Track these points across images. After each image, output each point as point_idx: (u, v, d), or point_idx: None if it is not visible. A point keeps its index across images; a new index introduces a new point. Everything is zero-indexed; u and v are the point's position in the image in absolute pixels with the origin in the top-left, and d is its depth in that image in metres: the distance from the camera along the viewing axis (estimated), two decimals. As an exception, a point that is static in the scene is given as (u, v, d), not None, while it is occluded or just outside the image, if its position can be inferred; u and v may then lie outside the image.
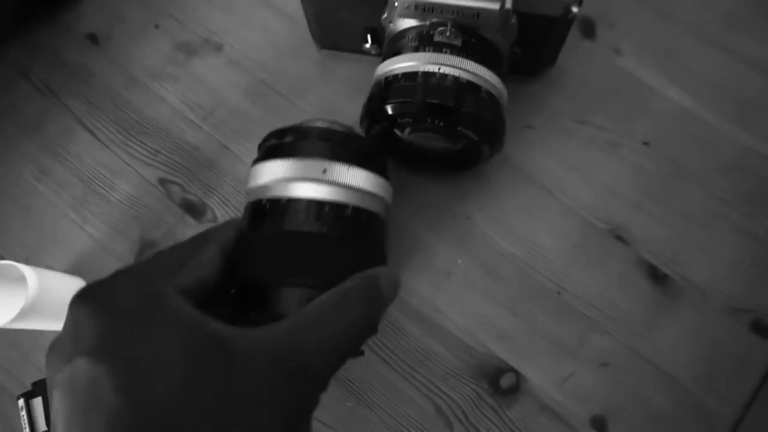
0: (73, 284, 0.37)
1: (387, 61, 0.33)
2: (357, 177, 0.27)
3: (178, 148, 0.41)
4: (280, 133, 0.29)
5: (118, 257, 0.38)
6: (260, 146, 0.30)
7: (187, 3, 0.45)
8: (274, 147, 0.29)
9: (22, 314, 0.31)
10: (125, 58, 0.43)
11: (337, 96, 0.41)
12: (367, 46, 0.39)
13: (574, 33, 0.42)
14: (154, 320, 0.19)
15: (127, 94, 0.42)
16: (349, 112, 0.40)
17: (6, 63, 0.43)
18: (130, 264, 0.23)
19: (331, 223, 0.26)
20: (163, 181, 0.40)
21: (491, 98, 0.32)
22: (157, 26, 0.44)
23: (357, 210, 0.27)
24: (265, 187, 0.28)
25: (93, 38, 0.44)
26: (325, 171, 0.27)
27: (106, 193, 0.40)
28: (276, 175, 0.27)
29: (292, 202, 0.27)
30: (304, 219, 0.26)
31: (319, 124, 0.30)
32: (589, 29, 0.42)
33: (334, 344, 0.21)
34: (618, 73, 0.41)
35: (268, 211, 0.27)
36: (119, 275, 0.21)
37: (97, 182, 0.40)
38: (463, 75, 0.31)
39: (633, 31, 0.42)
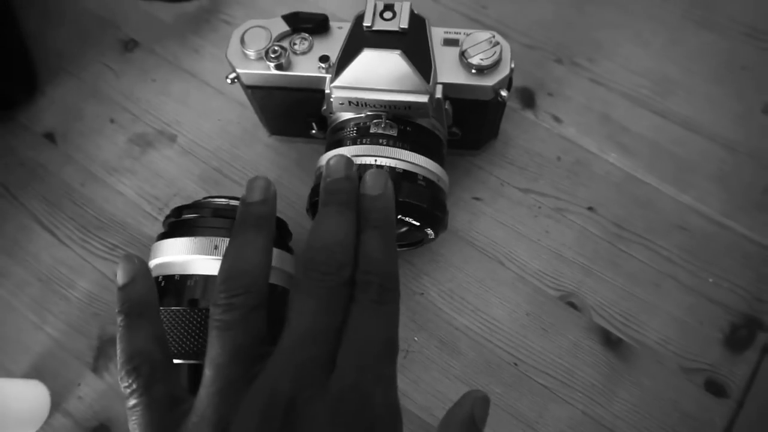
0: (31, 388, 0.37)
1: (327, 154, 0.34)
2: None
3: (136, 240, 0.41)
4: (177, 211, 0.32)
5: (78, 356, 0.38)
6: (163, 222, 0.33)
7: (141, 96, 0.46)
8: (172, 224, 0.32)
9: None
10: (82, 155, 0.44)
11: (290, 179, 0.42)
12: (314, 132, 0.40)
13: (514, 104, 0.44)
14: None
15: (85, 190, 0.43)
16: (301, 193, 0.42)
17: (-36, 165, 0.44)
18: None
19: None
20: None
21: (429, 184, 0.33)
22: (112, 121, 0.45)
23: None
24: (160, 265, 0.31)
25: (50, 137, 0.45)
26: (216, 248, 0.30)
27: (65, 292, 0.40)
28: (170, 253, 0.30)
29: (185, 278, 0.29)
30: (200, 295, 0.29)
31: (217, 201, 0.32)
32: (528, 100, 0.44)
33: None
34: (559, 140, 0.42)
35: (164, 288, 0.30)
36: None
37: (56, 281, 0.41)
38: (399, 165, 0.32)
39: (571, 99, 0.43)
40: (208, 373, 0.20)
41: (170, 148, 0.44)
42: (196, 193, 0.42)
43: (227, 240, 0.31)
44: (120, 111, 0.46)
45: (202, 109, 0.45)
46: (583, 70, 0.44)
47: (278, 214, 0.42)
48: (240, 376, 0.20)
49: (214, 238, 0.31)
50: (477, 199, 0.41)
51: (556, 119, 0.43)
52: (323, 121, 0.39)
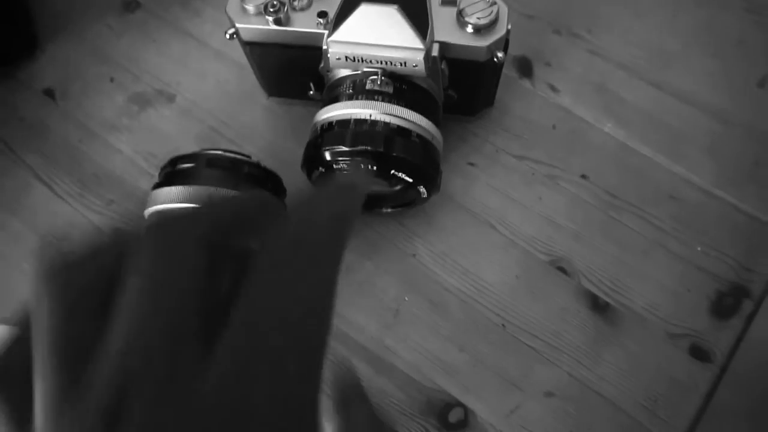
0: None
1: (323, 109, 0.34)
2: None
3: (132, 195, 0.42)
4: (173, 161, 0.34)
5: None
6: (159, 173, 0.34)
7: (141, 56, 0.46)
8: (168, 174, 0.33)
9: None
10: (81, 112, 0.44)
11: (285, 140, 0.43)
12: (311, 93, 0.40)
13: (512, 73, 0.44)
14: None
15: (83, 146, 0.43)
16: (297, 154, 0.42)
17: (-36, 120, 0.45)
18: None
19: None
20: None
21: (423, 141, 0.33)
22: (112, 80, 0.45)
23: None
24: (155, 213, 0.32)
25: (50, 93, 0.45)
26: (209, 197, 0.31)
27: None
28: (166, 201, 0.30)
29: None
30: None
31: (211, 152, 0.34)
32: (526, 69, 0.44)
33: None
34: (555, 109, 0.43)
35: None
36: None
37: (53, 235, 0.41)
38: (394, 121, 0.33)
39: (568, 70, 0.44)
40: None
41: (168, 108, 0.44)
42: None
43: (221, 189, 0.32)
44: (120, 70, 0.46)
45: (201, 70, 0.45)
46: (581, 40, 0.45)
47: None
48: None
49: (208, 187, 0.32)
50: (471, 164, 0.41)
51: (553, 89, 0.43)
52: (320, 81, 0.39)
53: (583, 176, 0.41)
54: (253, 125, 0.43)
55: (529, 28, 0.45)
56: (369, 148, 0.32)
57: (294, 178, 0.41)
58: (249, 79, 0.44)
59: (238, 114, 0.44)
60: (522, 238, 0.39)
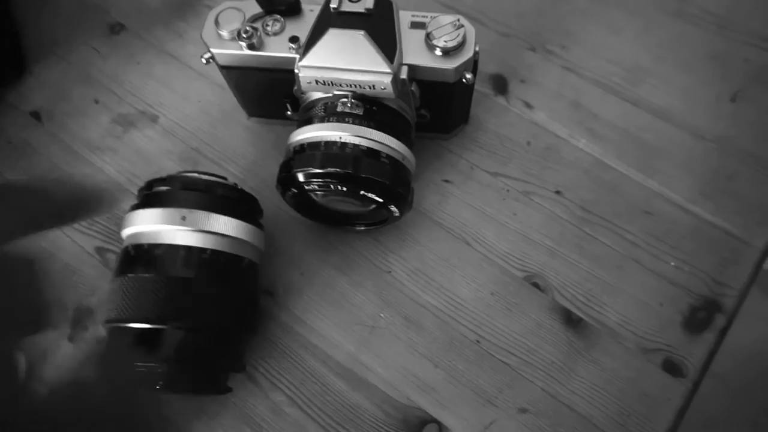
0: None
1: (296, 131, 0.35)
2: (217, 223, 0.32)
3: (115, 216, 0.43)
4: (150, 184, 0.35)
5: (54, 326, 0.40)
6: (137, 194, 0.35)
7: (126, 78, 0.47)
8: (145, 196, 0.34)
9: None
10: (67, 134, 0.45)
11: (266, 160, 0.43)
12: (289, 113, 0.41)
13: (486, 90, 0.44)
14: None
15: (68, 168, 0.44)
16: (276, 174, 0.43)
17: (-46, 142, 0.46)
18: None
19: (195, 265, 0.32)
20: (99, 250, 0.41)
21: (392, 162, 0.34)
22: (97, 101, 0.46)
23: (216, 253, 0.32)
24: (132, 235, 0.33)
25: (36, 115, 0.46)
26: (183, 218, 0.31)
27: (45, 265, 0.41)
28: (141, 223, 0.33)
29: (153, 248, 0.31)
30: (171, 264, 0.32)
31: (188, 174, 0.35)
32: (501, 86, 0.45)
33: None
34: (530, 125, 0.43)
35: (133, 256, 0.31)
36: None
37: (36, 253, 0.42)
38: (363, 142, 0.33)
39: (542, 86, 0.44)
40: None
41: (152, 129, 0.45)
42: (174, 172, 0.43)
43: (195, 211, 0.32)
44: (105, 92, 0.47)
45: (184, 91, 0.46)
46: (555, 57, 0.45)
47: (256, 194, 0.43)
48: None
49: (181, 209, 0.33)
50: (447, 181, 0.42)
51: (528, 105, 0.44)
52: (296, 102, 0.40)
53: (558, 192, 0.41)
54: (235, 145, 0.44)
55: (504, 46, 0.46)
56: (338, 170, 0.32)
57: (275, 198, 0.42)
58: (230, 99, 0.45)
59: (220, 134, 0.44)
60: (497, 254, 0.40)
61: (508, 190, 0.41)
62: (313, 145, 0.34)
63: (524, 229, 0.40)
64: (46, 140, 0.45)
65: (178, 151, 0.44)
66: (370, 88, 0.34)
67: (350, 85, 0.34)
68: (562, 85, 0.44)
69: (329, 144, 0.33)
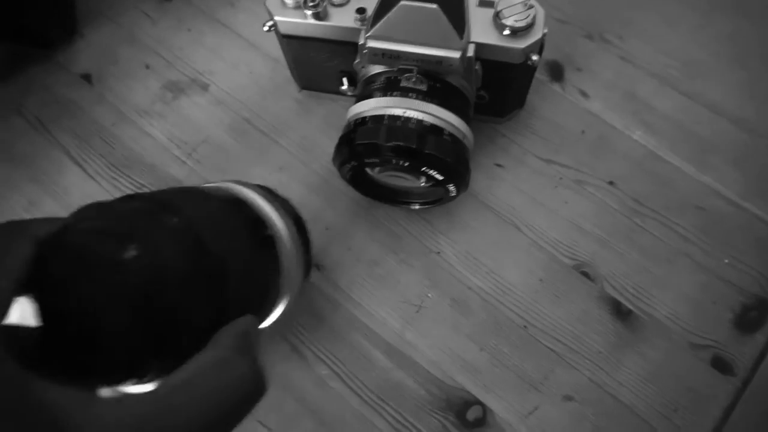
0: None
1: (357, 105, 0.35)
2: None
3: (163, 182, 0.42)
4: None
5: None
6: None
7: (176, 44, 0.47)
8: None
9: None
10: (115, 97, 0.45)
11: (316, 134, 0.43)
12: (344, 87, 0.41)
13: (542, 76, 0.44)
14: None
15: (115, 129, 0.44)
16: (327, 149, 0.42)
17: (1, 99, 0.45)
18: None
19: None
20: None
21: (454, 140, 0.34)
22: (147, 66, 0.46)
23: None
24: None
25: (86, 77, 0.46)
26: None
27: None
28: None
29: None
30: None
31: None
32: (557, 73, 0.44)
33: (216, 420, 0.17)
34: (585, 114, 0.43)
35: None
36: None
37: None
38: (427, 118, 0.33)
39: (599, 75, 0.44)
40: None
41: (202, 96, 0.45)
42: (224, 142, 0.43)
43: None
44: (155, 57, 0.47)
45: (234, 60, 0.46)
46: (612, 47, 0.45)
47: (305, 168, 0.43)
48: None
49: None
50: (499, 165, 0.42)
51: (583, 94, 0.43)
52: (354, 76, 0.39)
53: (611, 182, 0.41)
54: (285, 118, 0.44)
55: (561, 33, 0.45)
56: (402, 144, 0.32)
57: (324, 172, 0.41)
58: (281, 71, 0.44)
59: (270, 106, 0.44)
60: (546, 241, 0.39)
61: (560, 178, 0.41)
62: (376, 119, 0.33)
63: (575, 217, 0.40)
64: (95, 102, 0.45)
65: (228, 120, 0.44)
66: (437, 64, 0.33)
67: (417, 60, 0.33)
68: (619, 75, 0.44)
69: (393, 118, 0.33)
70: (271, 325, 0.29)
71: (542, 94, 0.43)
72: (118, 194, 0.42)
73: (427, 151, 0.32)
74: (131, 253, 0.20)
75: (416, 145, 0.32)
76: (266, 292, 0.28)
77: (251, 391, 0.18)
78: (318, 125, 0.43)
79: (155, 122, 0.44)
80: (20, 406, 0.14)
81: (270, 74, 0.45)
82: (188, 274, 0.21)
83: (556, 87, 0.44)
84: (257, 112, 0.44)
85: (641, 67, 0.44)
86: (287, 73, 0.44)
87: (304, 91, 0.44)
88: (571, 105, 0.43)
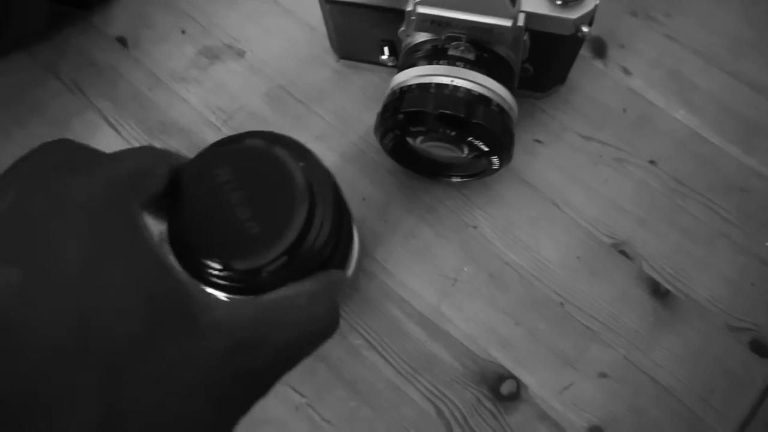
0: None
1: (402, 72, 0.34)
2: None
3: (198, 148, 0.42)
4: None
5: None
6: None
7: (212, 10, 0.46)
8: None
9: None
10: (151, 61, 0.45)
11: (353, 104, 0.43)
12: (384, 57, 0.40)
13: (585, 53, 0.43)
14: (120, 245, 0.16)
15: (151, 94, 0.44)
16: (365, 120, 0.42)
17: (37, 61, 0.45)
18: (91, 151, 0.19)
19: None
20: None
21: (501, 111, 0.33)
22: (183, 32, 0.46)
23: None
24: None
25: (122, 41, 0.46)
26: None
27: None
28: None
29: None
30: None
31: None
32: (600, 49, 0.43)
33: (297, 342, 0.19)
34: (626, 92, 0.42)
35: None
36: (89, 164, 0.18)
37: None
38: (475, 88, 0.33)
39: (642, 53, 0.43)
40: None
41: (238, 63, 0.45)
42: (260, 109, 0.43)
43: None
44: (190, 22, 0.46)
45: (271, 28, 0.45)
46: (657, 24, 0.44)
47: (341, 138, 0.42)
48: None
49: None
50: (538, 141, 0.41)
51: (626, 71, 0.43)
52: (395, 45, 0.39)
53: (652, 162, 0.40)
54: (323, 87, 0.43)
55: (604, 8, 0.44)
56: (450, 112, 0.31)
57: (360, 143, 0.41)
58: (319, 39, 0.44)
59: (307, 75, 0.44)
60: (585, 219, 0.39)
61: (600, 156, 0.40)
62: (423, 87, 0.33)
63: (615, 196, 0.39)
64: (130, 65, 0.45)
65: (264, 88, 0.43)
66: (486, 32, 0.33)
67: (466, 28, 0.33)
68: (663, 53, 0.43)
69: (440, 86, 0.32)
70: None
71: (583, 70, 0.43)
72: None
73: (474, 121, 0.32)
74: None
75: (464, 114, 0.31)
76: (348, 251, 0.31)
77: (329, 326, 0.21)
78: (356, 95, 0.43)
79: (191, 88, 0.44)
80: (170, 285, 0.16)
81: (307, 42, 0.45)
82: (335, 203, 0.26)
83: (598, 63, 0.43)
84: (294, 81, 0.44)
85: (686, 45, 0.43)
86: (325, 41, 0.43)
87: (342, 61, 0.44)
88: (612, 82, 0.42)
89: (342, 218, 0.29)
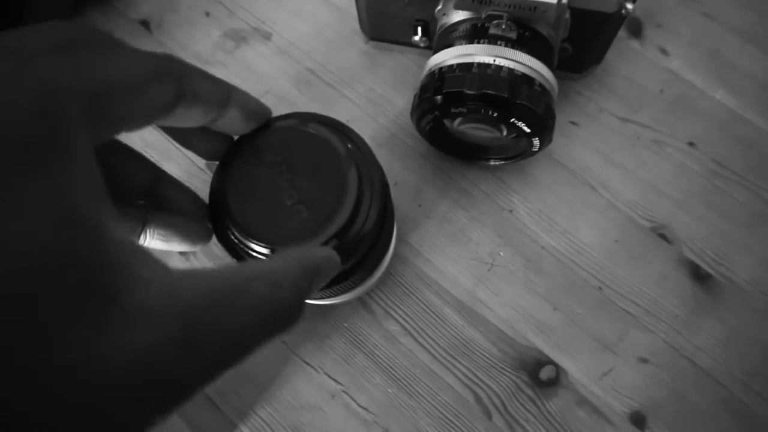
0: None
1: (441, 52, 0.33)
2: None
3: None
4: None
5: (166, 237, 0.39)
6: None
7: (237, -8, 0.45)
8: None
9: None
10: (176, 45, 0.44)
11: (384, 87, 0.42)
12: (416, 38, 0.39)
13: (621, 33, 0.42)
14: (22, 181, 0.11)
15: (177, 79, 0.43)
16: (395, 102, 0.41)
17: (60, 45, 0.44)
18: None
19: None
20: (210, 165, 0.41)
21: (544, 91, 0.32)
22: (207, 14, 0.45)
23: None
24: None
25: (145, 24, 0.45)
26: None
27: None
28: None
29: None
30: None
31: None
32: (636, 29, 0.42)
33: (241, 339, 0.15)
34: (664, 73, 0.41)
35: None
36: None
37: (147, 164, 0.41)
38: (518, 67, 0.32)
39: (680, 32, 0.42)
40: None
41: (264, 46, 0.44)
42: (288, 92, 0.42)
43: None
44: (214, 4, 0.45)
45: (297, 10, 0.45)
46: (695, 2, 0.43)
47: (372, 121, 0.41)
48: None
49: None
50: (573, 123, 0.40)
51: (663, 51, 0.42)
52: (429, 25, 0.38)
53: (690, 143, 0.39)
54: (352, 70, 0.42)
55: (640, -13, 0.43)
56: (494, 92, 0.31)
57: (392, 126, 0.40)
58: (347, 21, 0.43)
59: (336, 57, 0.43)
60: (622, 202, 0.38)
61: (638, 138, 0.40)
62: (465, 66, 0.32)
63: (653, 178, 0.39)
64: (155, 49, 0.44)
65: (292, 71, 0.43)
66: (530, 10, 0.32)
67: (509, 6, 0.32)
68: (702, 33, 0.42)
69: (483, 66, 0.32)
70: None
71: (619, 51, 0.42)
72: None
73: (519, 102, 0.31)
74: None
75: (508, 95, 0.31)
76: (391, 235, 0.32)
77: (282, 325, 0.17)
78: (386, 78, 0.42)
79: (217, 72, 0.43)
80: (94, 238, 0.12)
81: (335, 24, 0.44)
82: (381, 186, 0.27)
83: (634, 43, 0.42)
84: (322, 63, 0.43)
85: (725, 23, 0.42)
86: (353, 23, 0.42)
87: (371, 43, 0.43)
88: (649, 62, 0.41)
89: (387, 202, 0.28)
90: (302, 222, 0.25)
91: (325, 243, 0.25)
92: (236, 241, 0.25)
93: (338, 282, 0.29)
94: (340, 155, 0.26)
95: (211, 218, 0.26)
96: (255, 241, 0.25)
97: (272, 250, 0.25)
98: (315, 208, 0.25)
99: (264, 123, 0.26)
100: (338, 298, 0.33)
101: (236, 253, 0.26)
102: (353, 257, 0.27)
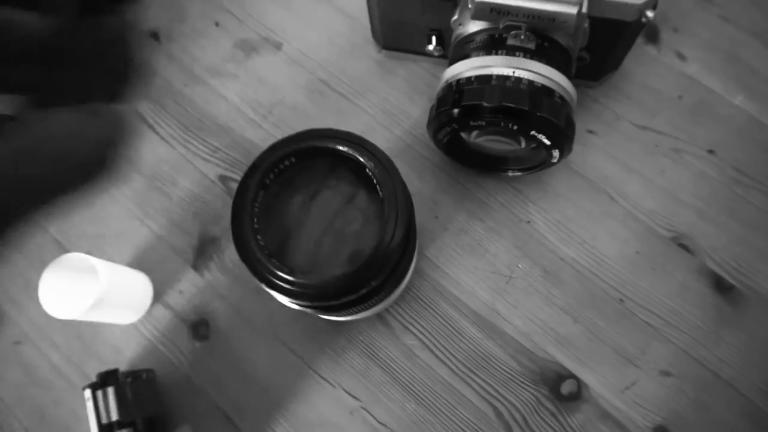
0: (138, 278, 0.37)
1: (458, 64, 0.33)
2: None
3: (238, 145, 0.41)
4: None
5: (178, 252, 0.39)
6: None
7: (246, 1, 0.45)
8: None
9: (94, 306, 0.32)
10: (186, 56, 0.44)
11: (398, 97, 0.41)
12: (431, 47, 0.39)
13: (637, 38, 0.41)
14: None
15: (188, 91, 0.43)
16: (410, 112, 0.41)
17: (68, 58, 0.44)
18: None
19: None
20: (223, 178, 0.40)
21: (564, 103, 0.32)
22: (217, 24, 0.44)
23: None
24: None
25: (155, 35, 0.44)
26: None
27: (167, 189, 0.40)
28: None
29: None
30: None
31: None
32: (652, 34, 0.42)
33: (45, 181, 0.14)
34: (682, 78, 0.40)
35: None
36: None
37: (158, 178, 0.41)
38: (538, 79, 0.31)
39: (697, 36, 0.41)
40: None
41: (275, 56, 0.43)
42: (300, 103, 0.42)
43: None
44: (224, 14, 0.45)
45: (308, 18, 0.44)
46: (712, 5, 0.42)
47: (387, 132, 0.41)
48: None
49: None
50: (591, 132, 0.40)
51: (680, 56, 0.41)
52: (444, 35, 0.37)
53: (710, 151, 0.39)
54: (364, 79, 0.42)
55: (656, -9, 0.42)
56: (514, 105, 0.30)
57: (406, 137, 0.40)
58: (359, 30, 0.42)
59: (348, 67, 0.42)
60: (642, 212, 0.38)
61: (656, 145, 0.39)
62: (483, 79, 0.31)
63: (672, 187, 0.38)
64: (165, 61, 0.44)
65: (304, 81, 0.42)
66: (549, 20, 0.31)
67: (527, 16, 0.31)
68: (719, 36, 0.41)
69: (502, 78, 0.31)
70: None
71: (636, 57, 0.41)
72: (192, 158, 0.41)
73: (539, 114, 0.30)
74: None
75: (529, 108, 0.30)
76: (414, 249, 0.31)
77: (93, 164, 0.16)
78: (400, 88, 0.41)
79: (228, 83, 0.43)
80: None
81: (347, 33, 0.43)
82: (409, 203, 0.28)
83: (651, 49, 0.41)
84: (334, 73, 0.42)
85: (743, 26, 0.41)
86: (365, 31, 0.42)
87: (384, 52, 0.42)
88: (666, 68, 0.41)
89: (411, 220, 0.28)
90: (329, 246, 0.25)
91: (352, 263, 0.25)
92: (258, 262, 0.25)
93: (363, 301, 0.28)
94: (367, 174, 0.25)
95: (235, 241, 0.26)
96: (276, 267, 0.25)
97: (294, 279, 0.25)
98: (343, 230, 0.25)
99: (285, 142, 0.26)
100: (359, 315, 0.33)
101: (259, 274, 0.26)
102: (380, 276, 0.26)
